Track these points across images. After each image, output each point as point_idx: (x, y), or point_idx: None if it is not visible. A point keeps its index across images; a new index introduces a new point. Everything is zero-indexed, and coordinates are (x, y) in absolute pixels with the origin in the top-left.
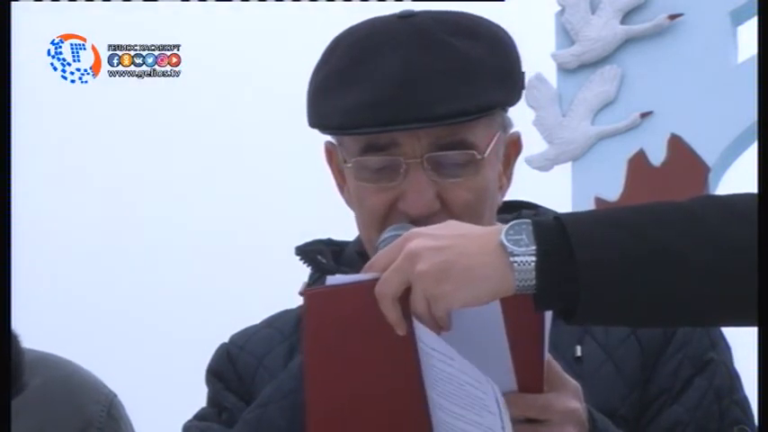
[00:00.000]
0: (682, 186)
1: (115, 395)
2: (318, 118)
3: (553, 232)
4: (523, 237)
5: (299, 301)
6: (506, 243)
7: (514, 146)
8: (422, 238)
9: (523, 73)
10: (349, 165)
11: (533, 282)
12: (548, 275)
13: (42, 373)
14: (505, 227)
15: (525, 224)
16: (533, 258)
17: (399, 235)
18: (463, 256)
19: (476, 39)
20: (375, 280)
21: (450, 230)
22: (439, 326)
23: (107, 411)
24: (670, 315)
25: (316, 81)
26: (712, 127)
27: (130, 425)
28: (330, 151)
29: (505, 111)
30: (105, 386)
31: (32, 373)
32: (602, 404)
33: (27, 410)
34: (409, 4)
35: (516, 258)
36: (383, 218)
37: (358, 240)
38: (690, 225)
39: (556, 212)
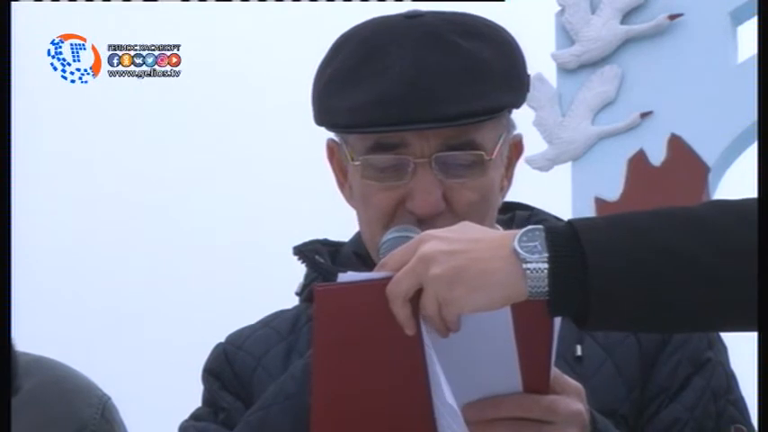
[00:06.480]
0: (682, 186)
1: (109, 398)
2: (326, 116)
3: (566, 239)
4: (536, 243)
5: (295, 300)
6: (519, 250)
7: (516, 148)
8: (436, 241)
9: (529, 75)
10: (356, 163)
11: (546, 288)
12: (560, 282)
13: (36, 375)
14: (519, 233)
15: (539, 230)
16: (546, 265)
17: (403, 236)
18: (476, 261)
19: (483, 40)
20: (387, 279)
21: (463, 234)
22: (447, 328)
23: (101, 414)
24: (682, 321)
25: (322, 79)
26: (712, 127)
27: (124, 427)
28: (331, 148)
29: (510, 113)
30: (99, 388)
31: (26, 375)
32: (603, 403)
33: (20, 413)
34: (409, 4)
35: (529, 265)
36: (389, 216)
37: (354, 240)
38: (702, 232)
39: (549, 214)
